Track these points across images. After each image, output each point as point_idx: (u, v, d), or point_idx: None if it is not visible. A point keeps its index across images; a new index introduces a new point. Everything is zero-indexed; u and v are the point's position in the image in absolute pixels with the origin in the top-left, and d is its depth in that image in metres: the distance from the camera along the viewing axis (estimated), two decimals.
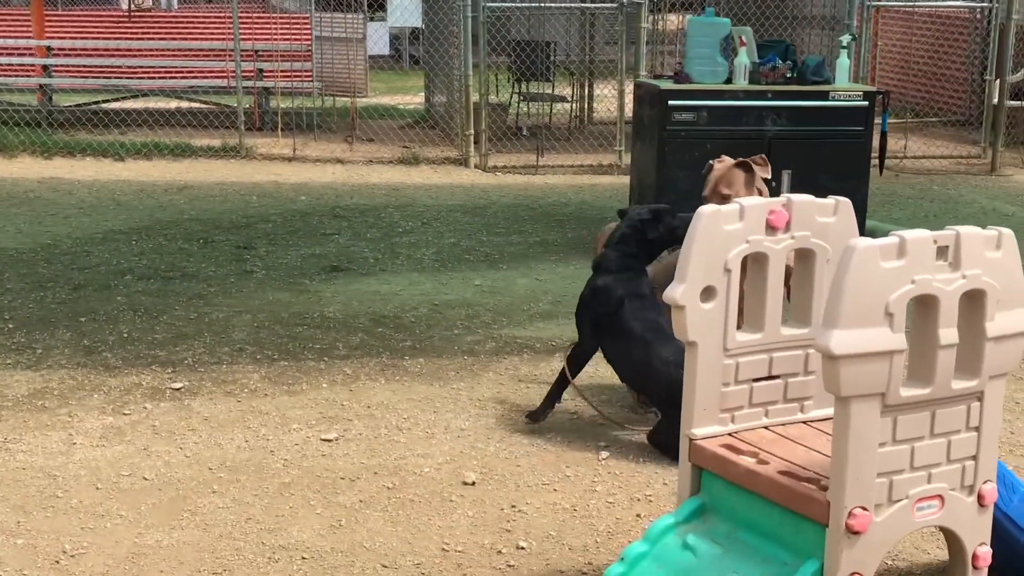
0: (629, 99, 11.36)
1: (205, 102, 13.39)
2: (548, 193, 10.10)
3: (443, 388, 5.11)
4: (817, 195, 3.23)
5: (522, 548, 3.68)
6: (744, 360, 3.17)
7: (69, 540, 3.62)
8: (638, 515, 3.93)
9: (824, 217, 3.19)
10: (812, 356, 3.24)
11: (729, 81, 7.45)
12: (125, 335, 5.65)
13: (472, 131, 11.13)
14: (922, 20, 14.33)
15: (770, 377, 3.23)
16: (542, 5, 12.24)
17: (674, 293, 3.05)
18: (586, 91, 14.32)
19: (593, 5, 12.74)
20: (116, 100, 13.33)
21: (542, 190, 10.26)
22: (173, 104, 13.80)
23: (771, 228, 3.13)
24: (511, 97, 13.63)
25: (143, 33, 15.11)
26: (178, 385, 5.01)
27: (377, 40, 19.66)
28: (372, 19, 21.00)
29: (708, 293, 3.08)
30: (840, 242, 3.18)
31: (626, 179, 10.82)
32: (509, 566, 3.56)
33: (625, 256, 4.70)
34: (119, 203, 8.93)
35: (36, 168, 10.20)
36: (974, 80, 13.98)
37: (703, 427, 3.15)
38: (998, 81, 11.64)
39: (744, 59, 7.38)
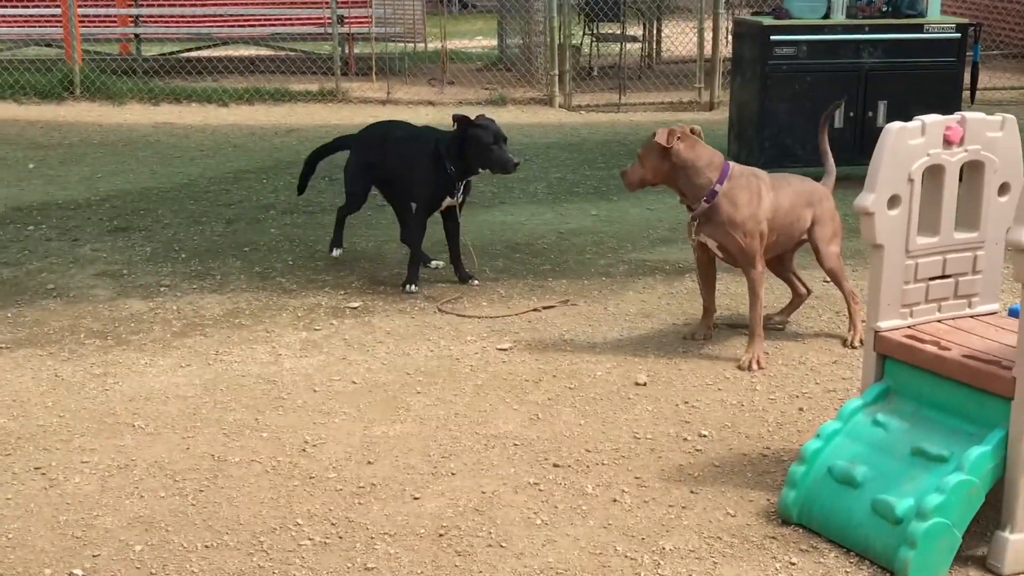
0: (707, 37, 11.74)
1: (292, 49, 13.79)
2: (635, 130, 10.48)
3: (591, 305, 5.56)
4: None
5: (704, 436, 4.13)
6: (922, 261, 3.59)
7: (307, 433, 4.10)
8: (800, 409, 4.37)
9: (993, 132, 3.59)
10: (980, 257, 3.67)
11: (827, 16, 7.80)
12: (290, 263, 6.13)
13: (556, 71, 11.51)
14: None
15: (943, 276, 3.65)
16: None
17: (864, 201, 3.47)
18: (655, 31, 14.65)
19: None
20: (204, 48, 13.75)
21: (628, 127, 10.65)
22: (254, 51, 14.24)
23: (947, 143, 3.54)
24: (583, 38, 13.98)
25: None
26: (355, 304, 5.48)
27: None
28: None
29: (894, 201, 3.49)
30: (1006, 153, 3.60)
31: (707, 114, 11.27)
32: (697, 450, 4.02)
33: None
34: (235, 145, 9.40)
35: (147, 114, 10.69)
36: None
37: (887, 320, 3.58)
38: None
39: None
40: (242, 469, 3.81)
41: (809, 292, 5.36)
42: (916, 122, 3.50)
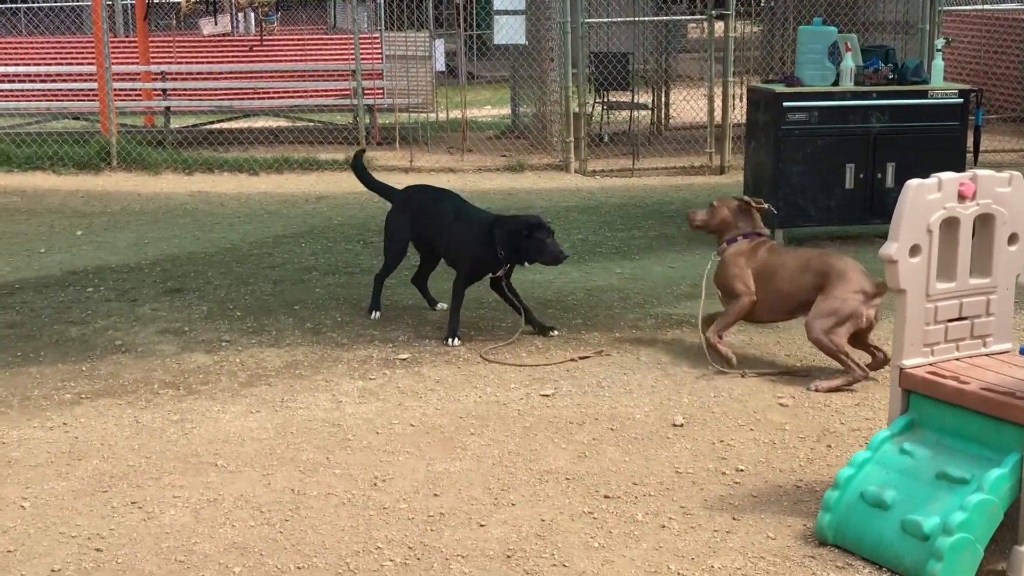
0: (717, 104, 12.21)
1: (312, 120, 14.30)
2: (650, 193, 10.91)
3: (624, 355, 5.92)
4: None
5: (740, 470, 4.48)
6: (941, 304, 3.97)
7: (375, 469, 4.45)
8: (828, 446, 4.73)
9: (1002, 188, 3.98)
10: (992, 300, 4.04)
11: (836, 83, 8.25)
12: (339, 319, 6.50)
13: (572, 138, 11.97)
14: (980, 22, 15.08)
15: (960, 318, 4.02)
16: (635, 20, 13.04)
17: (888, 250, 3.85)
18: (663, 98, 15.15)
19: (675, 17, 13.56)
20: (230, 120, 14.26)
21: (643, 191, 11.08)
22: (278, 123, 14.74)
23: (961, 197, 3.93)
24: (593, 106, 14.47)
25: (250, 58, 16.06)
26: (404, 356, 5.85)
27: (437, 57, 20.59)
28: (439, 36, 21.90)
29: (915, 250, 3.88)
30: (1015, 207, 4.00)
31: (718, 178, 11.71)
32: (735, 483, 4.37)
33: None
34: (270, 212, 9.83)
35: (182, 183, 11.13)
36: None
37: (911, 358, 3.95)
38: None
39: (850, 63, 8.19)
40: (321, 501, 4.16)
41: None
42: (933, 179, 3.89)
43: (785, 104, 8.14)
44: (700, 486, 4.34)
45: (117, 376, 5.51)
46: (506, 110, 17.39)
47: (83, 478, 4.35)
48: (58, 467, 4.46)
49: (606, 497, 4.22)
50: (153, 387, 5.36)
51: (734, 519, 4.04)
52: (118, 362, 5.72)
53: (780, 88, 8.24)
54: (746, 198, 6.08)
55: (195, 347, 5.96)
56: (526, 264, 6.23)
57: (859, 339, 5.60)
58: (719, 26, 12.08)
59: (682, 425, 4.94)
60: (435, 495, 4.23)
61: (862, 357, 5.56)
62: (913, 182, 3.86)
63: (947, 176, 3.91)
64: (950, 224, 3.95)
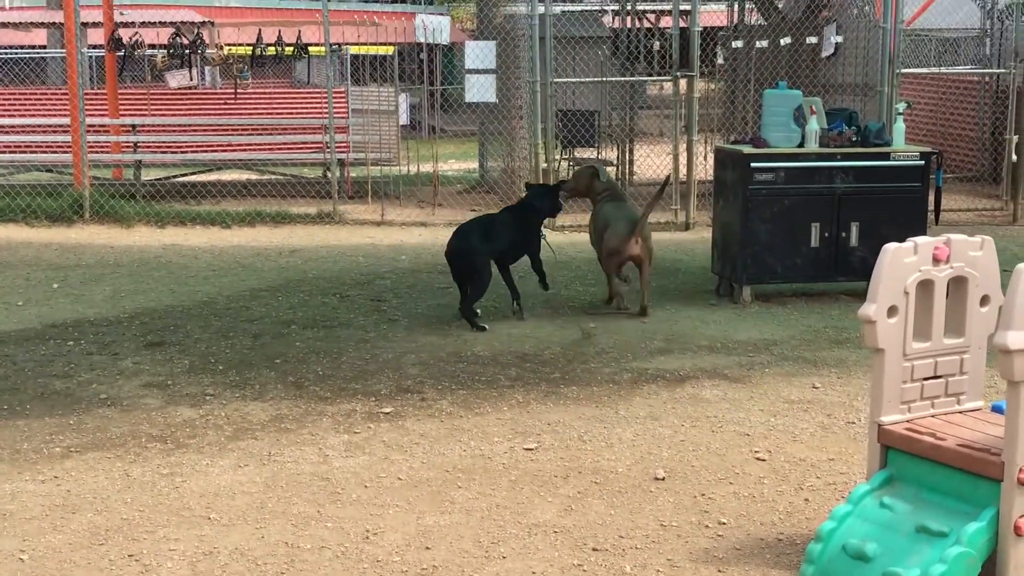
0: (681, 161, 12.46)
1: (282, 174, 14.42)
2: None
3: (602, 409, 6.05)
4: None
5: (723, 523, 4.61)
6: (917, 363, 4.13)
7: (366, 523, 4.54)
8: (806, 500, 4.87)
9: (974, 252, 4.17)
10: (966, 360, 4.21)
11: (802, 145, 8.48)
12: (320, 373, 6.59)
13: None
14: (936, 84, 15.50)
15: (936, 376, 4.19)
16: (602, 80, 13.31)
17: (867, 311, 4.02)
18: (627, 156, 15.41)
19: (642, 78, 13.85)
20: (201, 172, 14.35)
21: None
22: (244, 176, 14.85)
23: (936, 260, 4.11)
24: (560, 162, 14.70)
25: (221, 110, 16.17)
26: (387, 410, 5.95)
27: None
28: (404, 91, 22.12)
29: (892, 311, 4.04)
30: (986, 270, 4.18)
31: (683, 234, 11.93)
32: (719, 535, 4.49)
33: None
34: (243, 265, 9.91)
35: (155, 236, 11.19)
36: (985, 139, 15.13)
37: (888, 415, 4.10)
38: (1017, 139, 12.75)
39: (815, 125, 8.43)
40: (315, 554, 4.24)
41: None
42: (909, 243, 4.06)
43: (752, 165, 8.35)
44: (685, 539, 4.46)
45: (104, 430, 5.56)
46: (471, 164, 17.62)
47: (79, 531, 4.41)
48: (53, 520, 4.51)
49: (594, 550, 4.33)
50: (141, 441, 5.42)
51: (719, 571, 4.16)
52: (104, 416, 5.77)
53: (747, 149, 8.46)
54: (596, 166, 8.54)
55: (180, 401, 6.03)
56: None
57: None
58: (682, 84, 12.33)
59: (664, 479, 5.07)
60: (427, 548, 4.32)
61: None
62: (891, 246, 4.03)
63: (922, 240, 4.09)
64: (925, 286, 4.12)
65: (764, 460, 5.32)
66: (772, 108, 8.57)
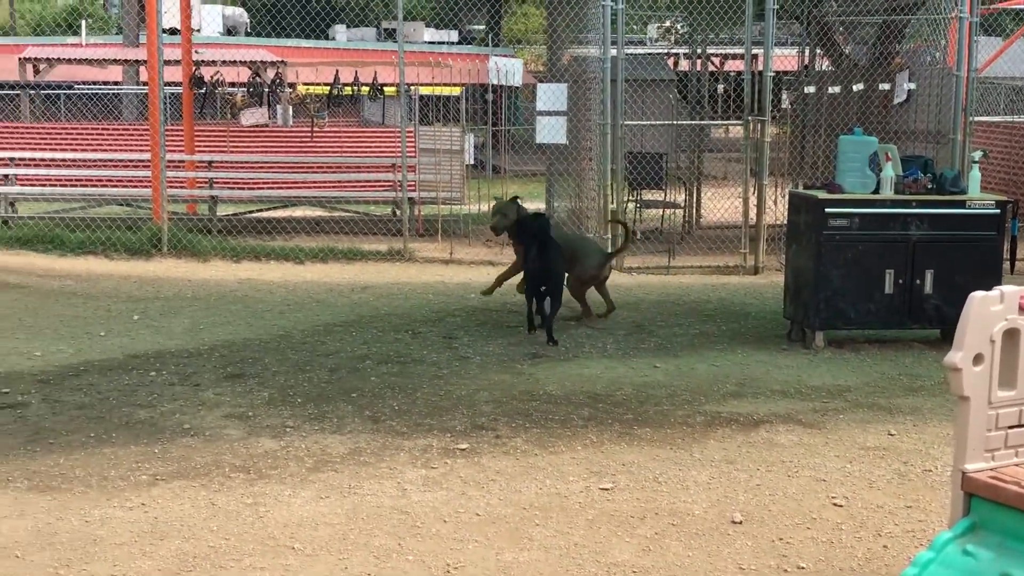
0: (750, 204, 12.48)
1: (351, 211, 14.63)
2: (686, 291, 11.12)
3: (676, 451, 6.07)
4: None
5: (802, 568, 4.61)
6: (1002, 411, 4.13)
7: (447, 557, 4.60)
8: (884, 546, 4.85)
9: None
10: None
11: (876, 191, 8.48)
12: (396, 408, 6.68)
13: (609, 235, 12.22)
14: (1009, 133, 15.39)
15: (1020, 425, 4.18)
16: (673, 124, 13.38)
17: (953, 359, 4.03)
18: (695, 198, 15.46)
19: (713, 123, 13.90)
20: (273, 209, 14.61)
21: (679, 289, 11.29)
22: (314, 213, 15.09)
23: (1021, 309, 4.11)
24: (626, 203, 14.76)
25: (295, 148, 16.45)
26: (463, 446, 6.01)
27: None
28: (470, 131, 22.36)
29: (978, 359, 4.05)
30: None
31: (752, 278, 11.92)
32: None
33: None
34: (317, 301, 10.06)
35: (230, 271, 11.41)
36: None
37: (973, 463, 4.10)
38: None
39: (890, 172, 8.43)
40: None
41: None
42: (996, 291, 4.07)
43: (827, 210, 8.36)
44: None
45: (189, 459, 5.68)
46: (537, 204, 17.70)
47: (167, 557, 4.51)
48: (142, 546, 4.61)
49: None
50: (224, 470, 5.53)
51: None
52: (188, 445, 5.89)
53: (822, 194, 8.47)
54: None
55: (261, 432, 6.14)
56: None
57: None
58: (751, 129, 12.38)
59: (741, 522, 5.08)
60: None
61: None
62: (977, 294, 4.05)
63: (1009, 289, 4.10)
64: (1011, 335, 4.13)
65: (841, 506, 5.31)
66: (847, 154, 8.58)
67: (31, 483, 5.32)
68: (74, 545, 4.62)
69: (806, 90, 14.73)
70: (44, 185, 15.30)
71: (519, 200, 9.57)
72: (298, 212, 15.10)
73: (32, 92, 23.73)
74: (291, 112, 21.23)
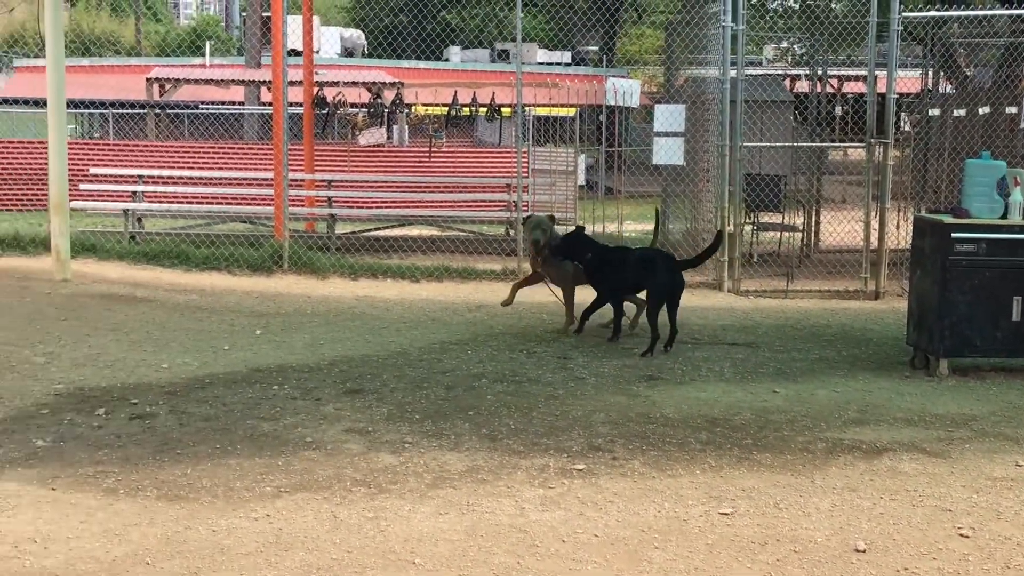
0: (872, 228, 12.26)
1: (464, 230, 14.76)
2: (805, 315, 10.97)
3: (797, 477, 5.98)
4: None
5: None
6: None
7: None
8: None
9: None
10: None
11: (1004, 216, 8.28)
12: (512, 426, 6.71)
13: (726, 257, 12.12)
14: None
15: None
16: (793, 145, 13.23)
17: None
18: (813, 221, 15.25)
19: (834, 144, 13.72)
20: (389, 228, 14.81)
21: (798, 313, 11.15)
22: (428, 232, 15.25)
23: None
24: (743, 226, 14.62)
25: (412, 168, 16.68)
26: (581, 467, 6.01)
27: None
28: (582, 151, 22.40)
29: None
30: None
31: (873, 303, 11.71)
32: None
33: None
34: (433, 319, 10.16)
35: (348, 288, 11.59)
36: None
37: None
38: None
39: (1019, 197, 8.22)
40: None
41: None
42: None
43: (953, 235, 8.19)
44: None
45: (311, 472, 5.77)
46: (647, 226, 17.64)
47: (292, 569, 4.59)
48: (268, 556, 4.70)
49: None
50: (346, 484, 5.61)
51: None
52: (310, 458, 5.99)
53: (948, 219, 8.30)
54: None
55: (380, 447, 6.21)
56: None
57: None
58: (874, 152, 12.17)
59: (864, 551, 4.98)
60: None
61: None
62: None
63: None
64: None
65: (968, 537, 5.18)
66: (975, 178, 8.40)
67: (160, 492, 5.46)
68: (202, 554, 4.73)
69: (930, 113, 14.45)
70: (170, 202, 15.73)
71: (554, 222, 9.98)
72: (413, 231, 15.29)
73: (158, 111, 24.46)
74: (407, 132, 21.54)
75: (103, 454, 6.00)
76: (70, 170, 11.56)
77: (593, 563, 4.76)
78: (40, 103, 21.76)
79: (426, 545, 4.88)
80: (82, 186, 14.91)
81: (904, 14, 12.34)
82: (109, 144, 21.72)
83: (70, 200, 11.74)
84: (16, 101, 26.67)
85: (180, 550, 4.77)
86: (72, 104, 23.64)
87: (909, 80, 18.13)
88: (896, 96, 12.30)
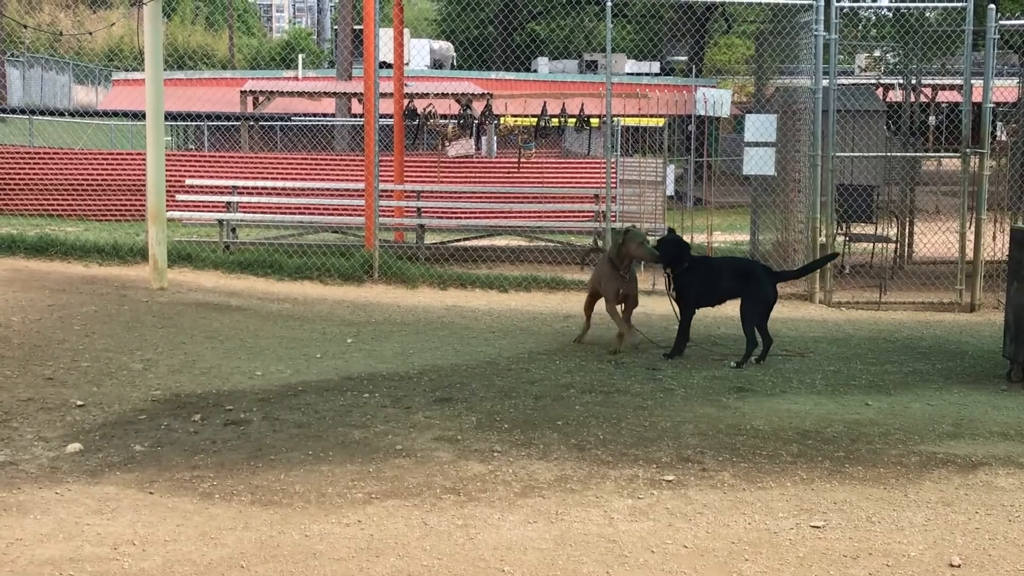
0: (967, 239, 12.04)
1: (551, 240, 14.79)
2: (899, 328, 10.81)
3: (890, 491, 5.90)
4: None
5: None
6: None
7: None
8: None
9: None
10: None
11: None
12: (601, 437, 6.71)
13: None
14: None
15: None
16: (886, 155, 13.06)
17: None
18: (907, 232, 15.01)
19: (928, 155, 13.51)
20: (477, 238, 14.91)
21: (891, 325, 10.99)
22: (515, 242, 15.31)
23: None
24: (835, 237, 14.44)
25: (501, 179, 16.76)
26: (670, 478, 5.99)
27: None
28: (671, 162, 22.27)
29: None
30: None
31: (968, 315, 11.50)
32: None
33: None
34: (521, 329, 10.20)
35: (437, 297, 11.69)
36: None
37: None
38: None
39: None
40: None
41: None
42: None
43: None
44: None
45: (401, 479, 5.83)
46: (737, 236, 17.55)
47: (383, 574, 4.64)
48: (360, 562, 4.76)
49: None
50: (436, 491, 5.66)
51: None
52: (400, 466, 6.05)
53: None
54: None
55: (469, 456, 6.26)
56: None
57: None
58: (970, 162, 11.96)
59: (959, 566, 4.90)
60: None
61: None
62: None
63: None
64: None
65: None
66: None
67: (254, 497, 5.56)
68: (295, 559, 4.81)
69: None
70: (263, 212, 16.00)
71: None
72: (500, 241, 15.37)
73: (252, 123, 24.89)
74: (496, 143, 21.64)
75: (199, 459, 6.12)
76: (167, 181, 11.82)
77: (682, 574, 4.75)
78: (138, 115, 22.29)
79: (515, 553, 4.90)
80: (178, 197, 15.25)
81: (1001, 22, 12.11)
82: (204, 156, 22.16)
83: (167, 210, 12.00)
84: (115, 113, 27.33)
85: (274, 554, 4.85)
86: (168, 116, 24.20)
87: (1006, 89, 17.80)
88: (992, 105, 12.07)
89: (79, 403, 7.18)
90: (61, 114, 28.42)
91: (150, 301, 10.88)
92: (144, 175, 11.49)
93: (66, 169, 20.03)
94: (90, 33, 27.51)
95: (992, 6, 11.86)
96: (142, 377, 7.94)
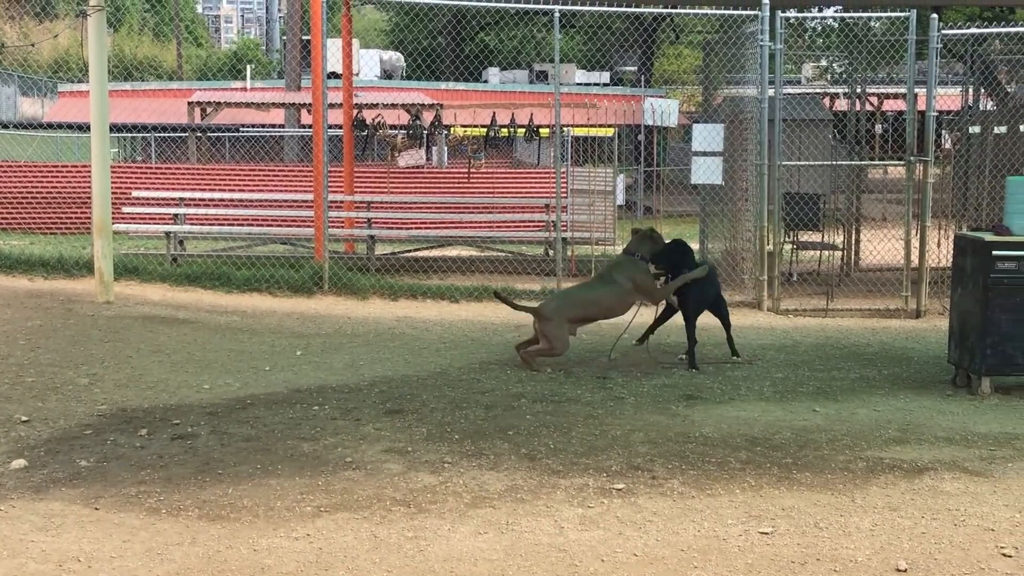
0: (912, 246, 12.19)
1: (502, 251, 14.81)
2: (846, 334, 10.91)
3: (837, 497, 5.95)
4: None
5: None
6: None
7: None
8: None
9: None
10: None
11: None
12: (552, 446, 6.71)
13: (766, 276, 12.09)
14: None
15: None
16: (833, 164, 13.20)
17: None
18: (853, 239, 15.17)
19: (874, 163, 13.66)
20: (428, 249, 14.89)
21: (838, 331, 11.09)
22: (466, 252, 15.31)
23: None
24: (782, 245, 14.56)
25: (451, 189, 16.76)
26: (620, 486, 6.01)
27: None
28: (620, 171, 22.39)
29: None
30: None
31: (914, 321, 11.63)
32: None
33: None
34: (472, 339, 10.20)
35: (388, 308, 11.65)
36: None
37: None
38: None
39: None
40: None
41: None
42: None
43: (995, 253, 8.13)
44: None
45: (351, 492, 5.81)
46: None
47: None
48: None
49: None
50: (385, 504, 5.64)
51: None
52: (350, 478, 6.02)
53: (989, 237, 8.24)
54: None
55: (419, 467, 6.24)
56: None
57: None
58: (915, 170, 12.11)
59: (906, 571, 4.95)
60: None
61: None
62: None
63: None
64: None
65: (1011, 556, 5.14)
66: (1017, 195, 8.33)
67: (201, 512, 5.51)
68: (243, 573, 4.77)
69: (971, 130, 14.36)
70: (211, 224, 15.89)
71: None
72: (452, 251, 15.36)
73: (199, 135, 24.71)
74: (446, 153, 21.63)
75: (146, 474, 6.06)
76: (113, 193, 11.71)
77: None
78: (84, 127, 22.05)
79: (465, 565, 4.89)
80: (125, 209, 15.11)
81: (943, 31, 12.29)
82: (151, 167, 21.98)
83: (113, 223, 11.88)
84: (60, 125, 27.04)
85: (221, 569, 4.81)
86: (115, 128, 23.96)
87: (949, 97, 18.06)
88: (936, 113, 12.24)
89: (24, 418, 7.08)
90: (6, 126, 28.06)
91: (96, 315, 10.75)
92: (91, 187, 11.37)
93: (11, 182, 19.79)
94: (32, 45, 27.19)
95: (934, 16, 12.03)
96: (88, 392, 7.85)
